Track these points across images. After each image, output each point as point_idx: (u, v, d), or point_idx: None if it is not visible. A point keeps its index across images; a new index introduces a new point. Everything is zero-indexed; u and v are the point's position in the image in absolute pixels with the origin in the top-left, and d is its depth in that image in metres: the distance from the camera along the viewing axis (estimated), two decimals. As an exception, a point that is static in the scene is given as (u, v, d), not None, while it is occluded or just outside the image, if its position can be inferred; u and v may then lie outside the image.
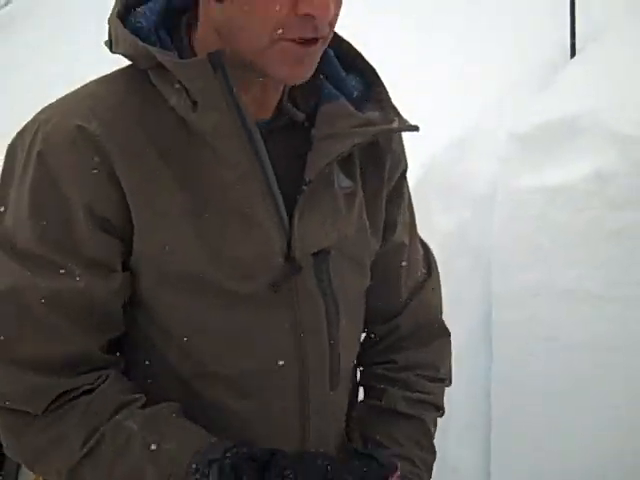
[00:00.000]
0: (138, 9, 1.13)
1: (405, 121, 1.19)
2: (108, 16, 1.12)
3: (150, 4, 1.13)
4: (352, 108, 1.16)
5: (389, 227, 1.30)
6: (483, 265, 2.79)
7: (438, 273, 1.44)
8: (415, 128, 1.17)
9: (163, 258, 1.08)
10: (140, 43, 1.07)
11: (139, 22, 1.10)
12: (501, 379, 2.80)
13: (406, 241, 1.34)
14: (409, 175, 2.72)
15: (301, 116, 1.16)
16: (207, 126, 1.07)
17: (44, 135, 1.07)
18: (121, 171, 1.06)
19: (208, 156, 1.09)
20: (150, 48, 1.06)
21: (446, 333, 1.41)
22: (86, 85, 1.15)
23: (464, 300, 2.76)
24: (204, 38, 1.11)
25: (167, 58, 1.06)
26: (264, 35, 1.04)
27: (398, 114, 1.19)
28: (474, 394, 2.82)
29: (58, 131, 1.06)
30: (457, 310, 2.74)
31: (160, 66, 1.06)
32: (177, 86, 1.06)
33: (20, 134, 1.12)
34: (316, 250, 1.15)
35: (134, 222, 1.07)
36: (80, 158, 1.05)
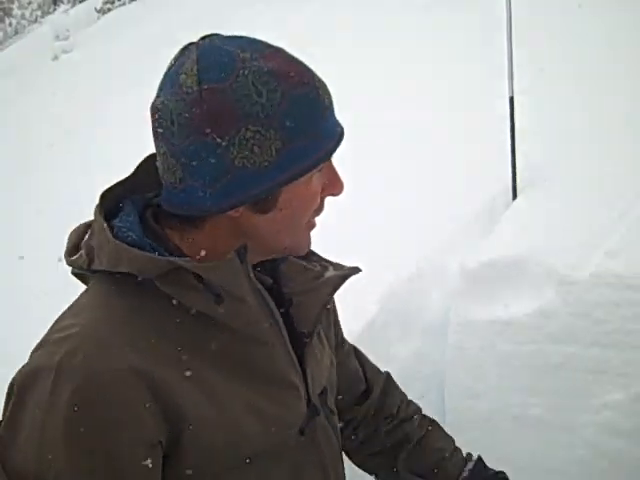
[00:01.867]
0: (114, 222, 1.11)
1: (339, 265, 1.29)
2: (83, 246, 1.12)
3: (124, 217, 1.12)
4: (302, 262, 1.24)
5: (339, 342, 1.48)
6: (436, 391, 3.00)
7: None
8: (359, 270, 1.27)
9: (217, 439, 1.10)
10: (155, 256, 1.07)
11: (129, 236, 1.09)
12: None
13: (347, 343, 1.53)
14: (368, 308, 2.95)
15: (269, 280, 1.22)
16: (235, 315, 1.11)
17: (84, 377, 1.02)
18: (173, 391, 1.06)
19: (238, 339, 1.13)
20: (171, 259, 1.07)
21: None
22: (81, 317, 1.09)
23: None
24: (213, 239, 1.12)
25: (193, 264, 1.07)
26: (302, 228, 1.15)
27: (327, 261, 1.30)
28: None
29: (98, 373, 1.03)
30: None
31: (172, 271, 1.06)
32: (195, 285, 1.07)
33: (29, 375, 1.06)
34: (320, 390, 1.29)
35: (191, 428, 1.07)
36: (133, 396, 1.04)
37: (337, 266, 1.26)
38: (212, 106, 1.03)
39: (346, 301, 2.65)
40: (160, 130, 1.07)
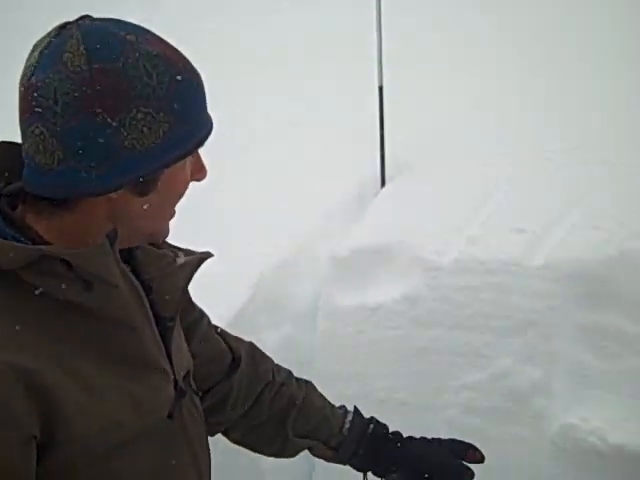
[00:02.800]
0: None
1: (189, 250, 1.31)
2: None
3: None
4: (155, 249, 1.25)
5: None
6: (305, 377, 3.04)
7: None
8: (211, 254, 1.30)
9: (91, 423, 1.10)
10: (20, 245, 1.05)
11: None
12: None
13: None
14: (239, 295, 2.96)
15: (127, 267, 1.21)
16: (106, 301, 1.11)
17: None
18: (46, 383, 1.05)
19: (108, 324, 1.13)
20: (38, 247, 1.05)
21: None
22: None
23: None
24: (84, 222, 1.11)
25: (63, 251, 1.06)
26: (168, 214, 1.18)
27: (177, 247, 1.32)
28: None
29: None
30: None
31: (37, 260, 1.05)
32: (63, 273, 1.06)
33: None
34: (185, 373, 1.31)
35: (64, 416, 1.07)
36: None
37: (187, 252, 1.28)
38: (104, 86, 1.03)
39: (216, 288, 2.71)
40: (39, 109, 1.04)
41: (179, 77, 1.08)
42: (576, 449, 2.60)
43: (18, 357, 1.04)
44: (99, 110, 1.03)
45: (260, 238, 3.21)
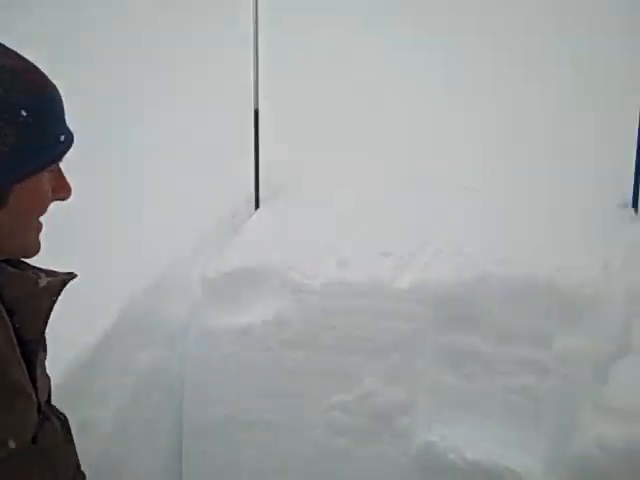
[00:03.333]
0: None
1: (51, 271, 1.28)
2: None
3: None
4: (16, 270, 1.22)
5: None
6: (176, 400, 3.04)
7: None
8: (75, 275, 1.28)
9: None
10: None
11: None
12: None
13: None
14: (108, 315, 2.92)
15: None
16: None
17: None
18: None
19: None
20: None
21: None
22: None
23: (158, 432, 2.98)
24: None
25: None
26: (31, 228, 1.15)
27: (38, 268, 1.29)
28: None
29: None
30: (151, 441, 2.95)
31: None
32: None
33: None
34: (47, 397, 1.29)
35: None
36: None
37: (49, 272, 1.25)
38: None
39: (84, 311, 2.67)
40: None
41: (33, 91, 1.06)
42: (437, 465, 2.69)
43: None
44: None
45: (131, 258, 3.18)
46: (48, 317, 1.26)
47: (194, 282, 3.17)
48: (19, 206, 1.10)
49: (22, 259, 1.24)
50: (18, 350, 1.19)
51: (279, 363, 2.94)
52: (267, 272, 3.09)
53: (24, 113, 1.05)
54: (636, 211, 3.16)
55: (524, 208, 3.29)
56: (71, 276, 1.26)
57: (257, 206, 3.70)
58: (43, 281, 1.23)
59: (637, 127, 3.21)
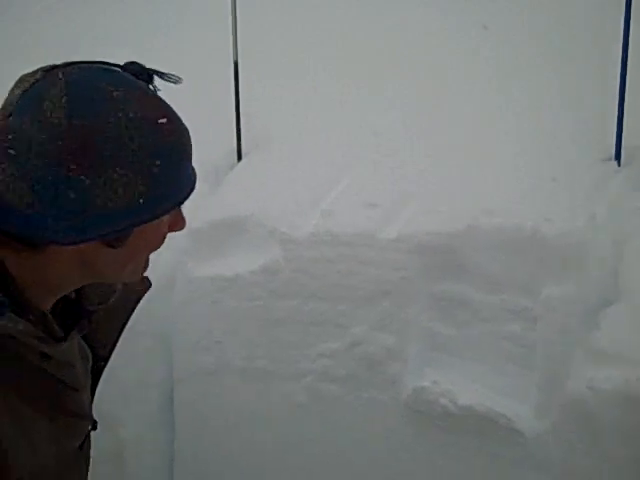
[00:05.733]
0: None
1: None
2: None
3: None
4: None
5: None
6: (164, 347, 3.03)
7: None
8: (150, 284, 1.39)
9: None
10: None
11: None
12: (183, 452, 3.03)
13: None
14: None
15: (73, 294, 1.23)
16: (59, 370, 1.15)
17: None
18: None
19: (57, 383, 1.16)
20: (9, 325, 1.04)
21: None
22: None
23: (148, 380, 2.97)
24: (53, 263, 1.09)
25: (33, 341, 1.07)
26: (143, 261, 1.17)
27: None
28: (157, 468, 3.02)
29: None
30: (142, 390, 2.94)
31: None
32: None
33: None
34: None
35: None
36: None
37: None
38: (81, 144, 1.00)
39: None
40: (12, 152, 1.00)
41: (162, 141, 1.05)
42: (428, 411, 2.72)
43: None
44: (73, 167, 1.00)
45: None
46: (121, 333, 1.32)
47: (179, 232, 3.14)
48: (136, 244, 1.11)
49: None
50: (89, 383, 1.27)
51: (267, 312, 2.94)
52: (252, 223, 3.08)
53: (158, 162, 1.05)
54: (619, 164, 3.18)
55: (509, 162, 3.30)
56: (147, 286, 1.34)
57: (239, 158, 3.66)
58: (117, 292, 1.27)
59: (618, 83, 3.22)
